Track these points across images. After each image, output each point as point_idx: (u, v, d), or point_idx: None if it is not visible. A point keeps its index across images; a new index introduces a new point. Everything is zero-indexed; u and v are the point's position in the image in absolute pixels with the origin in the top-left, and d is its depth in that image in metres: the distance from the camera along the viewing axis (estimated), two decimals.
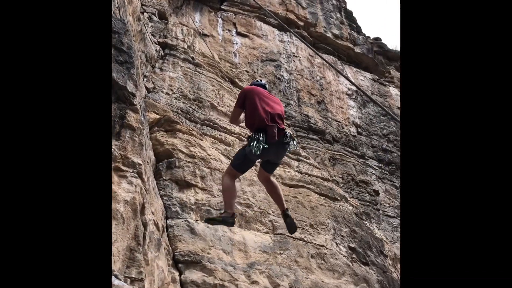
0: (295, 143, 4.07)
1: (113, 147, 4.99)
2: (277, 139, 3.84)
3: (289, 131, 4.01)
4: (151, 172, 6.37)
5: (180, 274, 6.30)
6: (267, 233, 7.73)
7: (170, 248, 6.39)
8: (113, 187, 4.79)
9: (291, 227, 4.03)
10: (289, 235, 7.83)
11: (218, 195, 7.70)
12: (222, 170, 8.36)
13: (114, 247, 4.58)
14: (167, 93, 9.13)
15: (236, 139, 9.72)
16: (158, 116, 8.19)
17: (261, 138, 3.79)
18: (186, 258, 6.43)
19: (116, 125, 5.01)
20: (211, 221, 3.68)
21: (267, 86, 4.48)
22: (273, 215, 8.06)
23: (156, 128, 7.91)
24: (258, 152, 3.72)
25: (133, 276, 4.86)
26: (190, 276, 6.26)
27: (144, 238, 5.21)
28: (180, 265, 6.38)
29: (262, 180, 4.04)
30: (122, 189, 4.86)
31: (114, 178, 4.88)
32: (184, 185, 7.39)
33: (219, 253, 6.73)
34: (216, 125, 9.46)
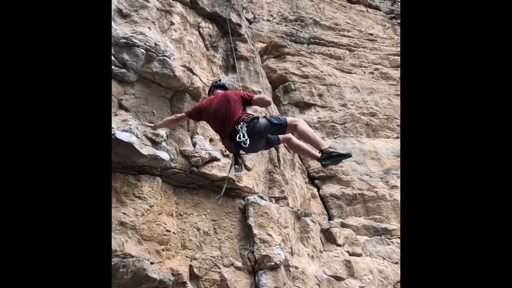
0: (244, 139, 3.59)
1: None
2: (234, 150, 3.53)
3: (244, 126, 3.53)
4: (271, 99, 6.50)
5: (318, 189, 6.52)
6: (397, 138, 7.49)
7: (304, 167, 6.60)
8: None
9: (335, 161, 3.50)
10: None
11: (339, 110, 7.62)
12: (338, 85, 8.19)
13: (254, 172, 4.88)
14: (268, 20, 9.02)
15: (346, 51, 9.35)
16: (264, 44, 8.19)
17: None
18: (321, 174, 6.60)
19: (230, 58, 5.13)
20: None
21: (226, 85, 4.01)
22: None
23: (265, 56, 7.95)
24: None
25: (277, 195, 5.16)
26: (328, 190, 6.45)
27: (278, 160, 5.44)
28: (316, 181, 6.59)
29: (286, 140, 3.68)
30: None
31: None
32: (304, 106, 7.43)
33: (352, 165, 6.76)
34: (322, 41, 9.16)
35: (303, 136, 3.38)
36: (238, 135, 3.32)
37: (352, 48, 9.33)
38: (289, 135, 3.69)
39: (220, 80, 3.95)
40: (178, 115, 3.76)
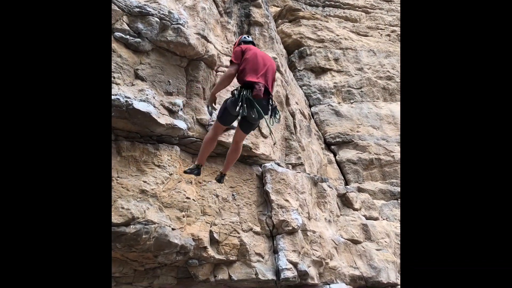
0: (277, 117, 3.58)
1: None
2: (262, 96, 3.42)
3: (275, 103, 3.59)
4: (286, 65, 6.43)
5: (335, 155, 6.54)
6: None
7: (320, 133, 6.60)
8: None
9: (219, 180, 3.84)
10: None
11: (355, 74, 7.51)
12: (354, 48, 8.03)
13: (270, 139, 4.91)
14: None
15: (362, 13, 9.10)
16: (278, 8, 8.03)
17: (247, 94, 3.38)
18: (337, 139, 6.59)
19: (244, 24, 5.07)
20: (187, 172, 3.59)
21: (254, 42, 3.97)
22: None
23: (280, 20, 7.81)
24: (244, 113, 3.33)
25: (293, 162, 5.20)
26: (345, 155, 6.46)
27: (294, 127, 5.45)
28: (332, 147, 6.60)
29: (235, 140, 3.63)
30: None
31: None
32: (320, 71, 7.34)
33: (369, 130, 6.73)
34: (338, 3, 8.93)
35: None
36: (272, 104, 3.47)
37: (368, 10, 9.09)
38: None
39: (249, 37, 3.93)
40: (227, 72, 3.68)
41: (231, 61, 3.58)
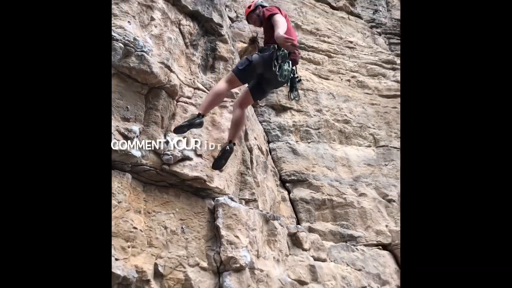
0: (297, 93, 3.64)
1: (209, 79, 5.16)
2: (297, 62, 3.50)
3: (300, 76, 3.60)
4: None
5: (289, 192, 6.59)
6: (369, 146, 7.65)
7: (276, 169, 6.66)
8: (216, 117, 5.02)
9: (218, 163, 3.61)
10: (391, 146, 7.68)
11: (314, 115, 7.71)
12: (315, 90, 8.28)
13: (226, 173, 4.90)
14: None
15: (325, 57, 9.44)
16: (245, 45, 8.19)
17: (287, 54, 3.32)
18: (292, 177, 6.67)
19: (209, 58, 5.13)
20: (179, 129, 3.33)
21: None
22: (373, 128, 7.90)
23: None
24: (285, 73, 3.20)
25: (247, 197, 5.20)
26: (299, 194, 6.53)
27: (251, 162, 5.48)
28: (287, 184, 6.66)
29: (239, 105, 3.47)
30: (225, 119, 5.07)
31: (216, 109, 5.09)
32: (281, 109, 7.49)
33: (323, 170, 6.86)
34: (303, 45, 9.22)
35: None
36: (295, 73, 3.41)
37: (331, 54, 9.44)
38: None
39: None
40: (278, 19, 3.39)
41: (271, 14, 3.33)
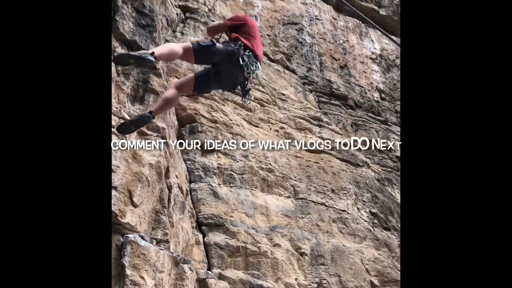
0: (251, 98, 3.77)
1: (137, 111, 5.03)
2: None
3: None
4: (174, 137, 6.43)
5: (204, 236, 6.45)
6: (289, 197, 7.79)
7: (194, 211, 6.52)
8: (138, 151, 4.86)
9: (126, 128, 3.28)
10: (310, 199, 7.88)
11: (240, 160, 7.76)
12: (244, 135, 8.38)
13: (140, 210, 4.69)
14: None
15: (258, 105, 9.68)
16: None
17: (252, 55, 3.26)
18: (210, 221, 6.56)
19: (140, 89, 5.03)
20: (122, 58, 2.83)
21: None
22: (295, 180, 8.09)
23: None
24: (252, 68, 3.31)
25: (159, 237, 4.99)
26: (214, 238, 6.40)
27: (169, 200, 5.32)
28: (203, 227, 6.52)
29: (177, 87, 3.26)
30: (147, 153, 4.93)
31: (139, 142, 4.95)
32: (207, 149, 7.45)
33: (242, 216, 6.83)
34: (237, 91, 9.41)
35: None
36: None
37: (264, 103, 9.70)
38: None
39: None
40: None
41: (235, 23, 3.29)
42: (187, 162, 7.13)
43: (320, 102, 11.07)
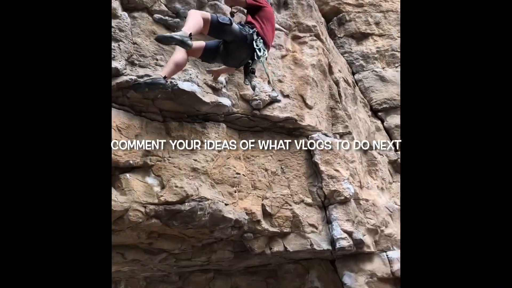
0: (251, 80, 3.51)
1: (284, 17, 5.01)
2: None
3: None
4: (326, 33, 6.26)
5: (382, 122, 6.36)
6: None
7: (365, 100, 6.43)
8: (297, 55, 4.90)
9: (141, 88, 3.14)
10: None
11: (398, 37, 7.20)
12: (396, 10, 7.68)
13: (316, 110, 4.83)
14: None
15: None
16: None
17: (263, 44, 3.33)
18: (384, 105, 6.40)
19: None
20: (165, 39, 2.93)
21: None
22: None
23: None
24: (260, 54, 3.21)
25: (341, 131, 5.10)
26: (393, 121, 6.27)
27: (339, 95, 5.33)
28: (379, 113, 6.41)
29: (188, 54, 3.24)
30: (306, 55, 4.94)
31: (295, 46, 4.98)
32: (361, 37, 7.08)
33: None
34: None
35: None
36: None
37: None
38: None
39: None
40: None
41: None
42: (344, 55, 6.93)
43: None
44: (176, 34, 2.92)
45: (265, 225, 4.22)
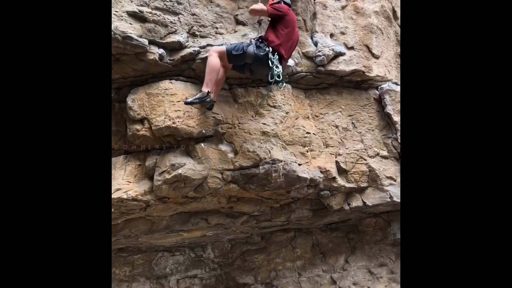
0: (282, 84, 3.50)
1: None
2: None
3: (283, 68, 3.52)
4: None
5: None
6: None
7: None
8: (358, 4, 4.67)
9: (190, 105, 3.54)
10: None
11: None
12: None
13: (383, 59, 4.60)
14: None
15: None
16: None
17: (278, 61, 3.44)
18: None
19: None
20: (188, 104, 3.44)
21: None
22: None
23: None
24: (274, 78, 3.37)
25: None
26: None
27: None
28: None
29: (223, 66, 3.53)
30: (368, 2, 4.69)
31: None
32: None
33: None
34: None
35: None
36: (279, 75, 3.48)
37: None
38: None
39: None
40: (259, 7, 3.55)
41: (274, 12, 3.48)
42: None
43: None
44: (196, 98, 3.43)
45: (341, 181, 4.20)
